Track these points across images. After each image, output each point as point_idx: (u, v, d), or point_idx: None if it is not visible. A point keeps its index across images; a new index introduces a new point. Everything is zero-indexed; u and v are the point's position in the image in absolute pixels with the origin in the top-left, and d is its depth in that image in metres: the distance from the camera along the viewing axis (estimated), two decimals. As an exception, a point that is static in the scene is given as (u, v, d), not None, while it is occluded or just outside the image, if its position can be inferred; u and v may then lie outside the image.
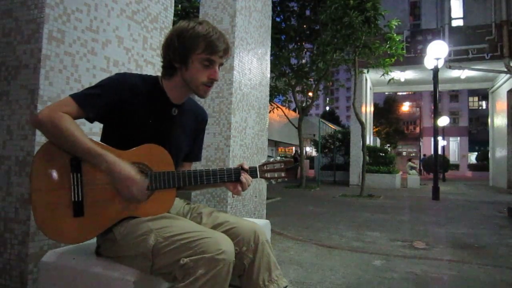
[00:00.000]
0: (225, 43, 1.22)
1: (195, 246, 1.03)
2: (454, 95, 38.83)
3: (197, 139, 1.44)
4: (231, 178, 1.27)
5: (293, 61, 11.63)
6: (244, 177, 1.27)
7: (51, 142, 1.13)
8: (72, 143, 1.08)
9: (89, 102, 1.16)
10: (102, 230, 1.15)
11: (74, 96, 1.15)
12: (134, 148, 1.19)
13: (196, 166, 1.82)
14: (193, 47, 1.18)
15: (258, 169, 1.30)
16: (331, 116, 37.77)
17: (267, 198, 4.31)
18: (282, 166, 1.32)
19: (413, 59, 12.37)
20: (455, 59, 11.93)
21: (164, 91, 1.26)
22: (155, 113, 1.25)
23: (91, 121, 1.22)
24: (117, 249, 1.15)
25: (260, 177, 1.31)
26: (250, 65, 3.56)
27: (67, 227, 1.11)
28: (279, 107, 13.33)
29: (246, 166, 1.29)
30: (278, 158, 1.35)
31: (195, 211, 1.35)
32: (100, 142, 1.20)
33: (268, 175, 1.31)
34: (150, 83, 1.26)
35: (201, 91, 1.24)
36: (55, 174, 1.12)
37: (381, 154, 13.06)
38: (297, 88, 12.06)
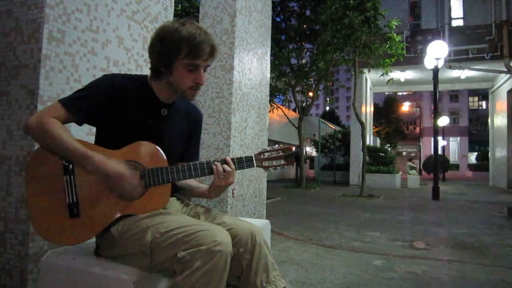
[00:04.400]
0: (210, 45, 1.17)
1: (192, 239, 1.03)
2: (454, 95, 38.80)
3: (191, 138, 1.42)
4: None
5: (293, 61, 11.63)
6: (222, 167, 1.21)
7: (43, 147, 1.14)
8: (59, 146, 1.09)
9: (77, 106, 1.16)
10: (99, 230, 1.15)
11: (61, 101, 1.16)
12: (125, 147, 1.18)
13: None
14: (176, 52, 1.15)
15: (254, 158, 1.24)
16: (331, 116, 37.71)
17: (267, 198, 4.31)
18: (281, 154, 1.25)
19: (413, 59, 12.37)
20: (455, 59, 11.93)
21: (153, 91, 1.26)
22: (145, 113, 1.24)
23: (80, 124, 1.21)
24: (116, 248, 1.15)
25: (257, 166, 1.25)
26: (250, 65, 3.56)
27: (64, 229, 1.11)
28: (279, 107, 13.33)
29: (228, 159, 1.23)
30: (276, 146, 1.28)
31: (193, 210, 1.34)
32: (91, 143, 1.20)
33: (266, 163, 1.25)
34: (139, 84, 1.25)
35: (187, 95, 1.23)
36: (48, 178, 1.12)
37: (381, 154, 13.07)
38: (297, 88, 12.06)
